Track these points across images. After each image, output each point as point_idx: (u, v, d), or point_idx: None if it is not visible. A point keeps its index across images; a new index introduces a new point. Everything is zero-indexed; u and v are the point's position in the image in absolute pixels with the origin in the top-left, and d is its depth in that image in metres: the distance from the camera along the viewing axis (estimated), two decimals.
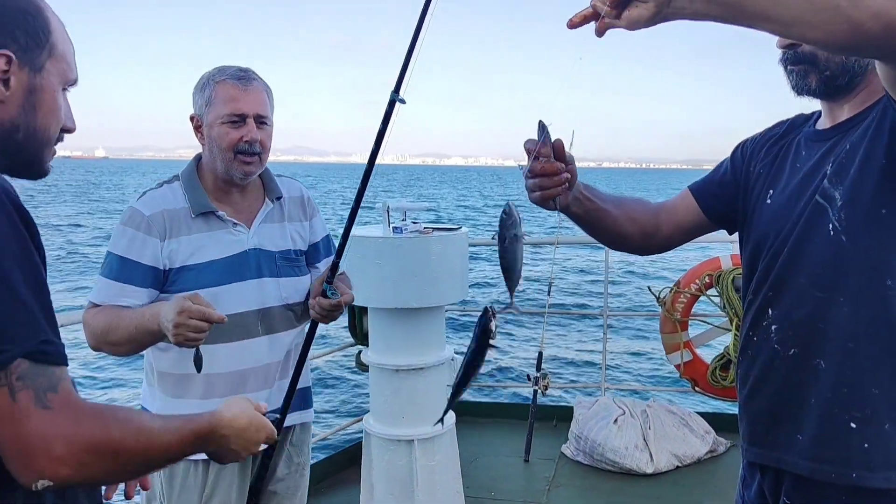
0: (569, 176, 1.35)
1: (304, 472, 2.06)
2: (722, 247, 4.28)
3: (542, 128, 1.29)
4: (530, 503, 3.32)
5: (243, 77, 1.81)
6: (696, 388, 4.30)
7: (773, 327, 1.33)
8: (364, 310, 3.30)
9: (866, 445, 1.21)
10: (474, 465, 3.70)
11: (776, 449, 1.32)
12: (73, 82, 1.08)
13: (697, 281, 4.26)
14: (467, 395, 5.76)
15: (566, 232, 4.42)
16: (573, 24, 1.11)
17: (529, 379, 4.02)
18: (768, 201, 1.41)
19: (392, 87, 1.65)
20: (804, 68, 1.32)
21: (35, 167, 1.05)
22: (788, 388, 1.30)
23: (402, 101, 1.65)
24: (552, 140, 1.30)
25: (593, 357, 9.59)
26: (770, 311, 1.33)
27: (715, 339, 4.33)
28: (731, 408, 4.64)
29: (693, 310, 4.34)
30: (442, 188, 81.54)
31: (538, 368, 4.03)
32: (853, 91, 1.31)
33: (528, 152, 1.31)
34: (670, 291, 4.32)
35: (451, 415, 3.06)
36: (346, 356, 4.69)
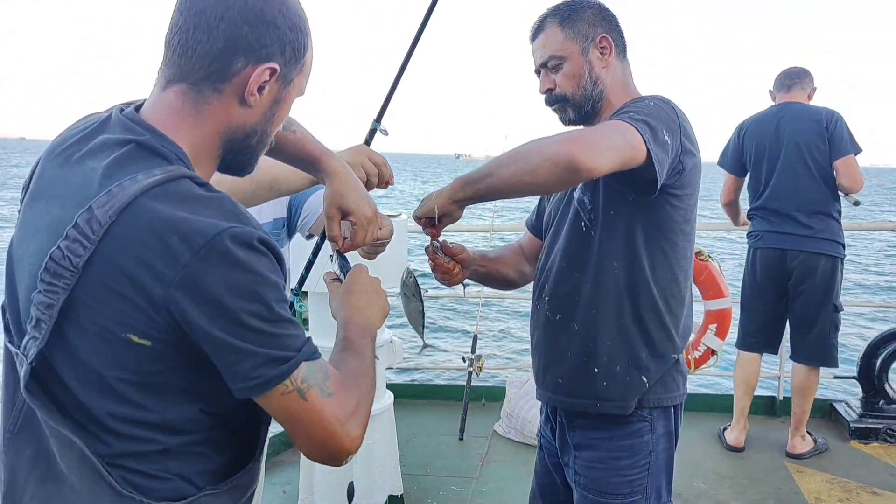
0: (460, 269, 1.74)
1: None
2: None
3: (434, 246, 1.66)
4: (464, 478, 3.46)
5: None
6: None
7: (546, 298, 1.72)
8: (304, 294, 3.34)
9: (605, 384, 1.62)
10: (411, 444, 3.82)
11: (547, 389, 1.74)
12: (302, 93, 1.09)
13: None
14: (404, 378, 5.82)
15: (499, 221, 4.53)
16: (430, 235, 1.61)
17: (465, 361, 4.16)
18: (548, 208, 1.82)
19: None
20: (561, 106, 1.66)
21: (249, 168, 1.08)
22: (555, 345, 1.70)
23: (385, 133, 1.70)
24: (439, 247, 1.67)
25: (526, 338, 9.80)
26: (546, 287, 1.72)
27: None
28: None
29: None
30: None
31: (473, 350, 4.17)
32: (598, 114, 1.65)
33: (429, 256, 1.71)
34: None
35: (389, 395, 3.16)
36: None
